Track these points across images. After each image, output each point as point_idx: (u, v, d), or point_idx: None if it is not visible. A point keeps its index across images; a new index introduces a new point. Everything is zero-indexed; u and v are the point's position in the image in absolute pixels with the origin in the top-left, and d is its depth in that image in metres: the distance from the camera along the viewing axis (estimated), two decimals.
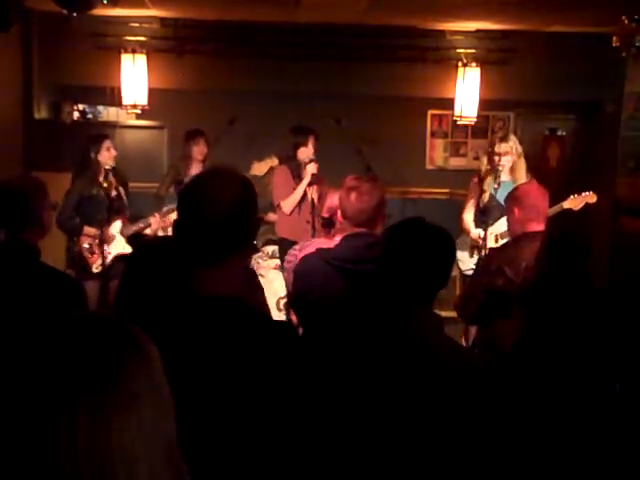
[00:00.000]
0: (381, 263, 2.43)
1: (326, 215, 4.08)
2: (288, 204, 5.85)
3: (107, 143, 5.90)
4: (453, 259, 2.45)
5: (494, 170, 5.53)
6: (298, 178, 5.87)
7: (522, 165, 5.57)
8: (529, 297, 3.28)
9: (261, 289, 2.68)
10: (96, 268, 5.78)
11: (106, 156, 5.87)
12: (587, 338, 2.11)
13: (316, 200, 5.72)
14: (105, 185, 5.84)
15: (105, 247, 5.78)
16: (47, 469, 1.03)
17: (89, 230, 5.82)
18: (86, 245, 5.83)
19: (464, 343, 5.50)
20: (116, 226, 5.89)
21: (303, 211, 5.82)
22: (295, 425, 1.84)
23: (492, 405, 2.12)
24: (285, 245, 5.83)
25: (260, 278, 7.05)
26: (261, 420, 1.75)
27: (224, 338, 1.80)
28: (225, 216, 1.85)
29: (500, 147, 5.53)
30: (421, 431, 2.12)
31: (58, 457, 1.03)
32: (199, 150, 6.45)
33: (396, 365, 2.19)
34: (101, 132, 6.34)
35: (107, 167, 5.85)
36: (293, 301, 3.67)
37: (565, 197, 5.37)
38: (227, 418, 1.73)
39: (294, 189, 5.85)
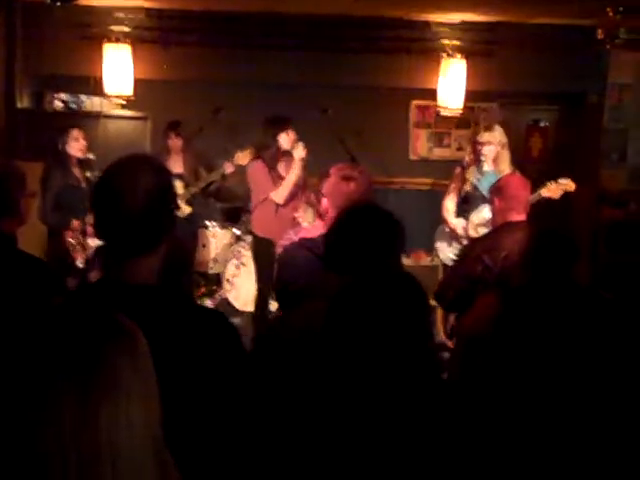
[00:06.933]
0: (328, 250, 2.44)
1: None
2: (280, 195, 5.71)
3: (74, 133, 5.85)
4: (402, 243, 2.44)
5: (477, 160, 5.55)
6: (274, 170, 5.79)
7: (506, 156, 5.57)
8: (509, 285, 3.30)
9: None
10: (80, 263, 5.76)
11: (74, 146, 5.83)
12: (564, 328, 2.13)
13: (302, 195, 5.70)
14: (87, 175, 5.83)
15: (88, 240, 5.75)
16: (34, 457, 1.03)
17: (75, 223, 5.78)
18: (72, 240, 5.79)
19: (442, 330, 5.55)
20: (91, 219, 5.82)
21: (287, 207, 5.75)
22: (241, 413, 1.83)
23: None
24: (262, 244, 5.77)
25: (242, 267, 7.13)
26: (198, 408, 1.73)
27: (152, 327, 1.76)
28: (140, 208, 1.80)
29: (483, 136, 5.53)
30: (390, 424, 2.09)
31: (45, 445, 1.03)
32: (173, 144, 6.49)
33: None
34: (69, 122, 6.28)
35: (79, 157, 5.83)
36: (277, 290, 3.67)
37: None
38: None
39: (274, 182, 5.75)
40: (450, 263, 5.29)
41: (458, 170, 5.80)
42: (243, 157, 6.06)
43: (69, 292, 3.72)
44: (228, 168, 6.21)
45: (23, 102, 7.58)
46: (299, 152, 5.64)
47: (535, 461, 2.00)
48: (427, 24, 7.66)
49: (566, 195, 5.35)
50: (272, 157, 5.78)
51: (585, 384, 2.10)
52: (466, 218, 5.44)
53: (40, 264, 3.38)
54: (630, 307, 2.47)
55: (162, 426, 1.19)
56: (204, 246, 7.38)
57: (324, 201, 3.50)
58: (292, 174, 5.66)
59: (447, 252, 5.64)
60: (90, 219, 5.77)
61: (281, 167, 5.79)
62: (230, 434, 1.81)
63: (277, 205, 5.72)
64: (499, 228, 4.04)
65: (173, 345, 1.71)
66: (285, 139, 5.74)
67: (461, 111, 7.64)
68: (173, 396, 1.30)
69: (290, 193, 5.72)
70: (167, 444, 1.20)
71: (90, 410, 1.06)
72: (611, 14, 5.94)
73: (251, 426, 1.90)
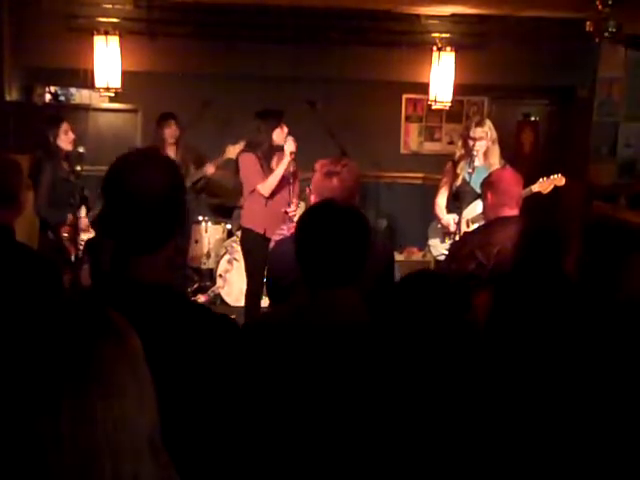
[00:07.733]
0: (296, 249, 2.43)
1: None
2: (267, 187, 5.64)
3: (64, 126, 5.85)
4: (365, 237, 2.41)
5: (468, 155, 5.55)
6: (267, 164, 5.74)
7: (496, 151, 5.57)
8: (501, 281, 3.31)
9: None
10: (72, 258, 5.73)
11: (65, 140, 5.83)
12: (551, 325, 2.13)
13: (294, 190, 5.66)
14: (77, 169, 5.80)
15: (81, 235, 5.73)
16: (33, 460, 1.03)
17: (70, 218, 5.75)
18: (66, 235, 5.78)
19: None
20: (82, 212, 5.82)
21: (277, 200, 5.72)
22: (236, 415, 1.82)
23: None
24: (251, 237, 5.75)
25: (234, 262, 7.12)
26: (199, 412, 1.73)
27: (164, 326, 1.75)
28: (158, 203, 1.79)
29: (475, 132, 5.52)
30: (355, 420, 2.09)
31: (43, 447, 1.03)
32: (170, 133, 6.47)
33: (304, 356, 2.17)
34: (57, 114, 6.27)
35: (68, 150, 5.83)
36: (268, 284, 3.67)
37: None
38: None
39: (266, 176, 5.70)
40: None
41: (449, 165, 5.80)
42: (233, 151, 6.04)
43: (80, 291, 3.69)
44: (209, 169, 6.31)
45: (12, 95, 7.53)
46: (289, 146, 5.61)
47: (531, 452, 2.01)
48: (417, 17, 7.66)
49: (556, 189, 5.37)
50: (265, 152, 5.73)
51: (577, 376, 2.11)
52: (458, 214, 5.44)
53: (38, 257, 3.36)
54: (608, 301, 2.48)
55: (160, 428, 1.19)
56: (197, 241, 7.38)
57: (312, 197, 3.49)
58: (281, 167, 5.62)
59: (440, 248, 5.64)
60: (82, 213, 5.76)
61: (274, 162, 5.76)
62: (226, 434, 1.81)
63: (266, 198, 5.69)
64: (492, 223, 4.04)
65: (178, 344, 1.74)
66: (279, 134, 5.70)
67: (450, 104, 7.65)
68: (172, 398, 1.30)
69: (277, 186, 5.68)
70: (165, 445, 1.20)
71: (86, 403, 1.06)
72: (600, 7, 5.93)
73: (247, 424, 1.90)
